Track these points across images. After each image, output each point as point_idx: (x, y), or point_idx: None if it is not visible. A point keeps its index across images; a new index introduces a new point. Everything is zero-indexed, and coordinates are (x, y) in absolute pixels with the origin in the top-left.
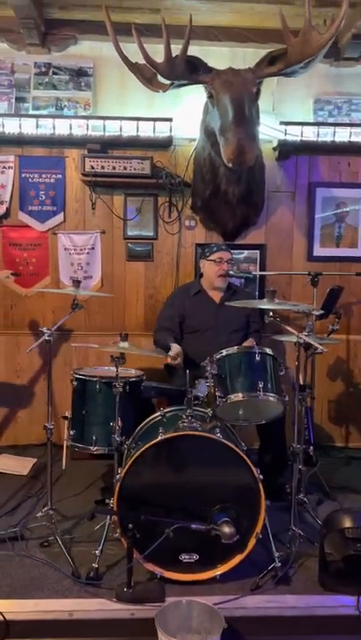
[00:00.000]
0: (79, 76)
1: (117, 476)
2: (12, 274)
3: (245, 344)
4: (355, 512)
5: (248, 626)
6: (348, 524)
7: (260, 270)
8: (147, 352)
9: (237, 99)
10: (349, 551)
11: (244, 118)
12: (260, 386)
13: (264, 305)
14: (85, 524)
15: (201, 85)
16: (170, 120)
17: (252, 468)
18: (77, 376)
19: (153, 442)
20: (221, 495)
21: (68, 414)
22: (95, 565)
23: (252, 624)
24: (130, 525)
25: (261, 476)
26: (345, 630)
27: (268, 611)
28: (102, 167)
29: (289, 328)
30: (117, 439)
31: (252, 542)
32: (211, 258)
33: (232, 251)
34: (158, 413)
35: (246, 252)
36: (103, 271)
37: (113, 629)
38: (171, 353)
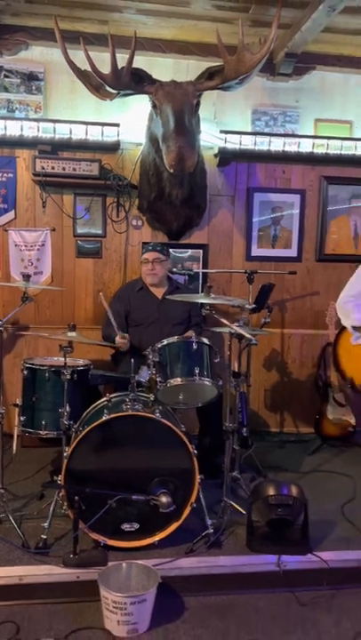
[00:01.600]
0: (30, 79)
1: (65, 454)
2: None
3: (185, 335)
4: (278, 482)
5: (182, 584)
6: (271, 492)
7: (204, 268)
8: (93, 341)
9: (178, 109)
10: (272, 516)
11: (185, 128)
12: (197, 371)
13: (201, 299)
14: (35, 502)
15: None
16: (117, 125)
17: (188, 444)
18: (27, 365)
19: (98, 422)
20: (160, 470)
21: (18, 402)
22: (44, 537)
23: (185, 582)
24: (76, 498)
25: (196, 452)
26: (267, 584)
27: (199, 570)
28: (52, 168)
29: (223, 320)
30: (66, 423)
31: (187, 511)
32: (140, 259)
33: (177, 250)
34: (104, 399)
35: (190, 252)
36: (53, 267)
37: (60, 591)
38: (117, 338)
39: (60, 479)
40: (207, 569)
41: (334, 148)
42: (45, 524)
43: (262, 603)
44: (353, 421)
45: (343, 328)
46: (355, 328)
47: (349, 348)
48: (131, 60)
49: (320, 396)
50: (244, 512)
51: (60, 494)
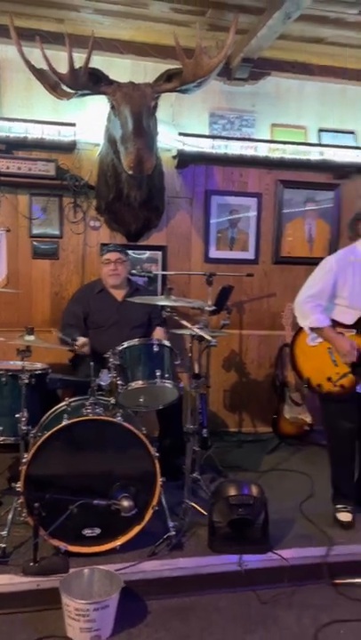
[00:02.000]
0: None
1: (24, 460)
2: None
3: (155, 334)
4: (238, 482)
5: (145, 587)
6: (232, 492)
7: (162, 270)
8: (53, 345)
9: (137, 111)
10: (233, 516)
11: (143, 130)
12: (158, 374)
13: (162, 301)
14: None
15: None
16: (73, 125)
17: (149, 447)
18: None
19: (58, 427)
20: (122, 474)
21: None
22: (2, 545)
23: (148, 585)
24: (36, 504)
25: (157, 454)
26: (229, 584)
27: (162, 572)
28: (7, 167)
29: (183, 322)
30: (24, 428)
31: (149, 514)
32: (102, 260)
33: (136, 251)
34: (64, 403)
35: (148, 253)
36: (8, 268)
37: (20, 600)
38: (77, 343)
39: (18, 486)
40: (170, 571)
41: (290, 152)
42: (4, 533)
43: (224, 602)
44: (309, 420)
45: (300, 329)
46: (312, 329)
47: (306, 349)
48: (88, 60)
49: (277, 395)
50: (205, 513)
51: (19, 501)
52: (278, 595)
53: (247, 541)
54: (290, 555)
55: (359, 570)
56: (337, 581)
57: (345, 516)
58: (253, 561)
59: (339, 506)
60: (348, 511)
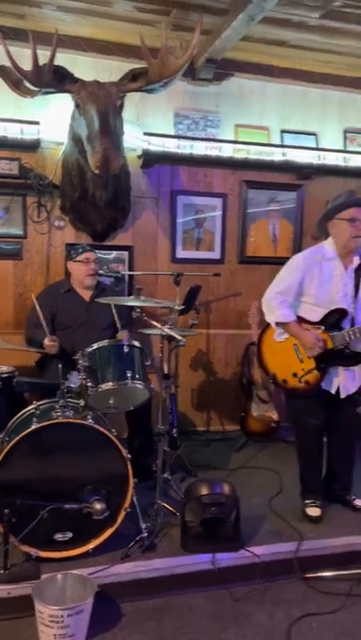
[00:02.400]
0: None
1: None
2: None
3: (119, 336)
4: (210, 481)
5: (119, 590)
6: (204, 491)
7: (129, 270)
8: (19, 347)
9: (103, 110)
10: (206, 515)
11: (109, 129)
12: (129, 375)
13: (131, 302)
14: None
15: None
16: (37, 123)
17: (121, 448)
18: None
19: (27, 431)
20: (94, 476)
21: None
22: None
23: (122, 588)
24: (5, 511)
25: (129, 456)
26: (202, 583)
27: (136, 574)
28: None
29: (153, 322)
30: None
31: (121, 516)
32: (78, 259)
33: (102, 251)
34: (32, 406)
35: (115, 253)
36: None
37: None
38: (46, 341)
39: None
40: (144, 573)
41: (253, 153)
42: None
43: (197, 601)
44: (276, 417)
45: (268, 325)
46: (278, 324)
47: (273, 345)
48: (52, 58)
49: (245, 393)
50: (176, 513)
51: None
52: (251, 591)
53: (220, 540)
54: (261, 551)
55: (328, 563)
56: (307, 575)
57: (314, 511)
58: (226, 559)
59: (307, 501)
60: (316, 506)
